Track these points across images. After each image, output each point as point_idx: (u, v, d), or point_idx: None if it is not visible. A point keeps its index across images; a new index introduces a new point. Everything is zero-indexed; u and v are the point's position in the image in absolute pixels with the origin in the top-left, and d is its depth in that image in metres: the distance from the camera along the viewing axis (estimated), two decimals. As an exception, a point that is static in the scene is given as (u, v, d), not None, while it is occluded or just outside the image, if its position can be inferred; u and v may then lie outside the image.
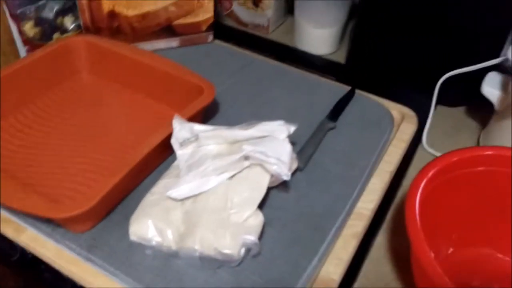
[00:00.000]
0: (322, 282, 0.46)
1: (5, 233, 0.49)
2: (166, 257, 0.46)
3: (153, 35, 0.76)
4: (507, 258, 0.50)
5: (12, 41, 0.69)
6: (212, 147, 0.52)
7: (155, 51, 0.74)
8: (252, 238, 0.44)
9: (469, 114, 0.71)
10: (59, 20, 0.72)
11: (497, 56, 0.61)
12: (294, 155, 0.53)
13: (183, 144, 0.52)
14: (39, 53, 0.64)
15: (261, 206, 0.48)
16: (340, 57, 0.82)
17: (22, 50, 0.71)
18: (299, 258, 0.47)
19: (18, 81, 0.61)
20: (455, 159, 0.47)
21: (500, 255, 0.51)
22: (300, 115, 0.64)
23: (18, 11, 0.67)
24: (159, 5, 0.72)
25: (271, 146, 0.49)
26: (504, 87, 0.60)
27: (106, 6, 0.70)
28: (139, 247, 0.47)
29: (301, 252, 0.48)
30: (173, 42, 0.78)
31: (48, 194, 0.50)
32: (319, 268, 0.47)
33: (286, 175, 0.48)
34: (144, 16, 0.73)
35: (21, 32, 0.69)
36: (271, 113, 0.65)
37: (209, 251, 0.44)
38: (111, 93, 0.66)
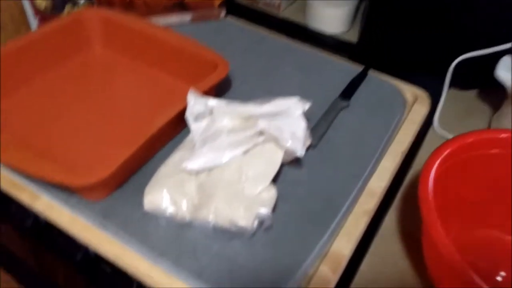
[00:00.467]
0: (332, 257, 0.46)
1: (20, 200, 0.50)
2: (180, 227, 0.47)
3: (166, 9, 0.76)
4: (515, 241, 0.51)
5: (23, 13, 0.69)
6: (226, 122, 0.52)
7: (167, 26, 0.74)
8: (265, 210, 0.45)
9: (481, 98, 0.71)
10: (71, -8, 0.72)
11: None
12: (308, 133, 0.53)
13: (197, 118, 0.52)
14: (51, 25, 0.64)
15: (274, 181, 0.49)
16: (353, 37, 0.81)
17: (34, 23, 0.71)
18: (310, 233, 0.48)
19: (31, 53, 0.61)
20: (470, 140, 0.47)
21: (508, 238, 0.51)
22: (313, 93, 0.64)
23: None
24: (173, -21, 0.72)
25: (286, 122, 0.49)
26: (518, 71, 0.60)
27: (120, -22, 0.69)
28: (153, 217, 0.47)
29: (312, 227, 0.48)
30: (185, 18, 0.77)
31: (64, 162, 0.51)
32: (330, 243, 0.48)
33: (300, 152, 0.48)
34: (157, -10, 0.72)
35: (32, 4, 0.69)
36: (283, 90, 0.64)
37: (224, 222, 0.45)
38: (124, 67, 0.66)
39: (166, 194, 0.46)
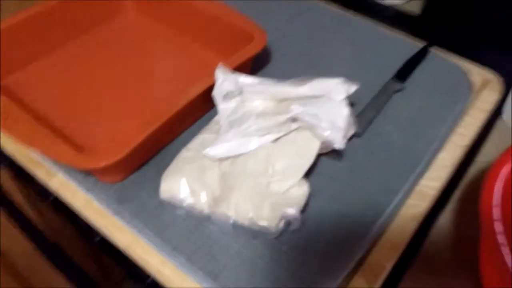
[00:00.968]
0: (370, 268, 0.40)
1: (36, 175, 0.47)
2: (198, 220, 0.42)
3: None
4: None
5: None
6: (257, 104, 0.46)
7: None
8: (293, 211, 0.39)
9: None
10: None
11: None
12: (352, 119, 0.46)
13: (226, 97, 0.47)
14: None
15: (307, 173, 0.43)
16: (415, 7, 0.71)
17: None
18: (347, 237, 0.41)
19: (57, 18, 0.57)
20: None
21: None
22: (363, 72, 0.57)
23: None
24: None
25: (325, 108, 0.42)
26: None
27: None
28: (170, 206, 0.43)
29: (350, 231, 0.42)
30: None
31: (79, 140, 0.47)
32: (369, 253, 0.41)
33: (339, 143, 0.41)
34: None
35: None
36: (329, 67, 0.57)
37: (244, 220, 0.40)
38: (156, 35, 0.61)
39: (185, 183, 0.42)
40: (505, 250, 0.33)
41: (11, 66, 0.54)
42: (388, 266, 0.40)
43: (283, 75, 0.50)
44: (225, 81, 0.47)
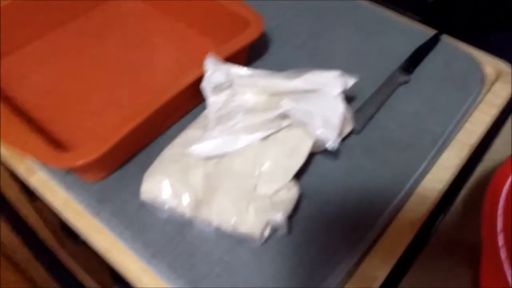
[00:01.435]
0: (362, 279, 0.37)
1: (17, 171, 0.45)
2: (180, 224, 0.39)
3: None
4: None
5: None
6: (248, 97, 0.43)
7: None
8: (279, 217, 0.36)
9: None
10: None
11: None
12: (350, 115, 0.43)
13: (216, 89, 0.44)
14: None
15: (298, 173, 0.40)
16: (428, -8, 0.66)
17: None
18: (338, 244, 0.38)
19: (42, 4, 0.53)
20: None
21: None
22: (368, 62, 0.53)
23: None
24: None
25: (319, 103, 0.39)
26: None
27: None
28: (152, 207, 0.40)
29: (342, 237, 0.39)
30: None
31: (61, 133, 0.45)
32: (361, 262, 0.38)
33: (332, 143, 0.38)
34: None
35: None
36: (332, 56, 0.54)
37: (227, 226, 0.37)
38: (149, 20, 0.58)
39: (167, 184, 0.39)
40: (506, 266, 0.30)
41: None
42: (381, 276, 0.38)
43: (282, 66, 0.47)
44: (216, 72, 0.43)
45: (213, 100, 0.44)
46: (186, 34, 0.56)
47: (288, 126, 0.40)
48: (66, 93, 0.50)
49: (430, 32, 0.56)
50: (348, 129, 0.43)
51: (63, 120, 0.47)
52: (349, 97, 0.44)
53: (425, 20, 0.59)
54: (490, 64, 0.53)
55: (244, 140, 0.39)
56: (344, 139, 0.44)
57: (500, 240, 0.31)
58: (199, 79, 0.44)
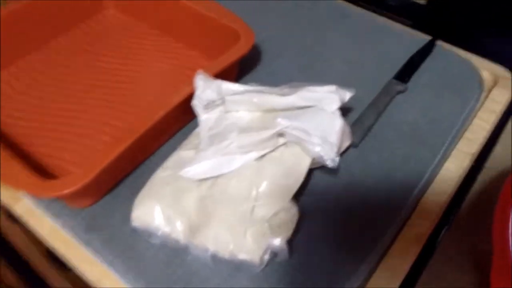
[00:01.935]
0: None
1: (1, 200, 0.43)
2: (175, 250, 0.37)
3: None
4: None
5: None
6: (242, 114, 0.41)
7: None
8: (279, 242, 0.34)
9: None
10: None
11: None
12: (348, 129, 0.41)
13: (207, 107, 0.42)
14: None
15: (297, 192, 0.38)
16: (421, -4, 0.65)
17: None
18: (344, 263, 0.37)
19: (30, 19, 0.52)
20: None
21: None
22: (363, 71, 0.52)
23: None
24: None
25: (316, 120, 0.38)
26: None
27: None
28: (145, 233, 0.38)
29: (346, 257, 0.37)
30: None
31: (47, 158, 0.43)
32: (366, 278, 0.37)
33: (332, 160, 0.36)
34: None
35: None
36: (326, 68, 0.52)
37: (224, 252, 0.35)
38: (137, 35, 0.56)
39: (159, 210, 0.37)
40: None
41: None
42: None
43: (275, 78, 0.45)
44: (207, 89, 0.42)
45: (205, 118, 0.42)
46: (175, 48, 0.55)
47: (285, 144, 0.38)
48: (51, 114, 0.48)
49: (424, 37, 0.55)
50: (346, 143, 0.41)
51: (49, 144, 0.45)
52: (345, 109, 0.43)
53: (416, 24, 0.58)
54: (487, 69, 0.52)
55: (239, 160, 0.38)
56: (342, 153, 0.43)
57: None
58: (190, 96, 0.42)
